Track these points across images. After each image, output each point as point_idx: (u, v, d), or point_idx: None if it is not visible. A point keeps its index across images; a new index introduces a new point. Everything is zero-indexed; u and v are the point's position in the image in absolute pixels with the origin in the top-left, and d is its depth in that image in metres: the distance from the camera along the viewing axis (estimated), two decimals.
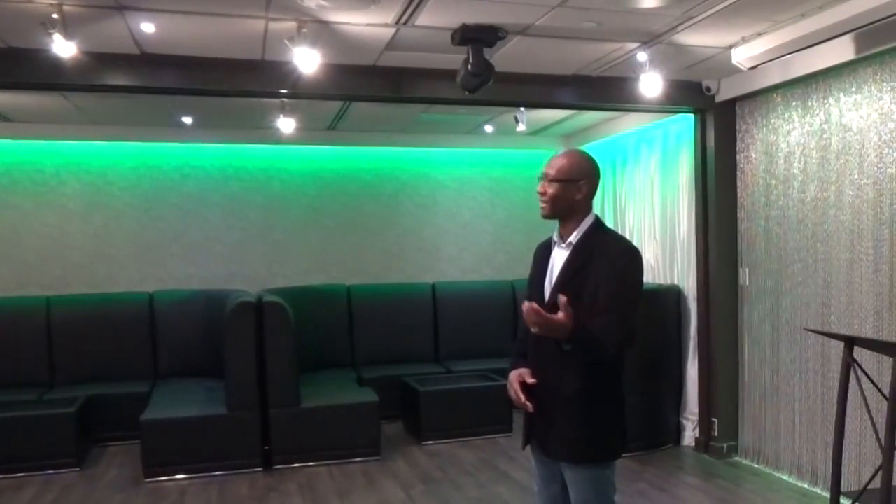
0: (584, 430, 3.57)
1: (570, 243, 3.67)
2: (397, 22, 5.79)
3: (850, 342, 4.23)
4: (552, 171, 3.67)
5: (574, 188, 3.65)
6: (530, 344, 3.72)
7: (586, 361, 3.51)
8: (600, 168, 3.79)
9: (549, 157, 3.78)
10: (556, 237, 3.78)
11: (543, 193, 3.68)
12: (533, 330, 3.28)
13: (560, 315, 3.25)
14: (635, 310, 3.49)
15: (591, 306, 3.44)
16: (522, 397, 3.58)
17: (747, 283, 7.65)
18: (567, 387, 3.56)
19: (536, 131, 10.50)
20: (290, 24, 5.74)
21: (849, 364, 4.18)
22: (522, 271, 10.57)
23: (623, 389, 3.68)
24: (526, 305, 3.26)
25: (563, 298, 3.27)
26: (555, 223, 3.78)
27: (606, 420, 3.61)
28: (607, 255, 3.54)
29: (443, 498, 6.86)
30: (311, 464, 7.81)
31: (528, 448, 3.89)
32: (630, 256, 3.58)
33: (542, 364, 3.64)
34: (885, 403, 3.83)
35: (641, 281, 3.60)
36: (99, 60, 6.38)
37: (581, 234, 3.66)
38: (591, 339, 3.37)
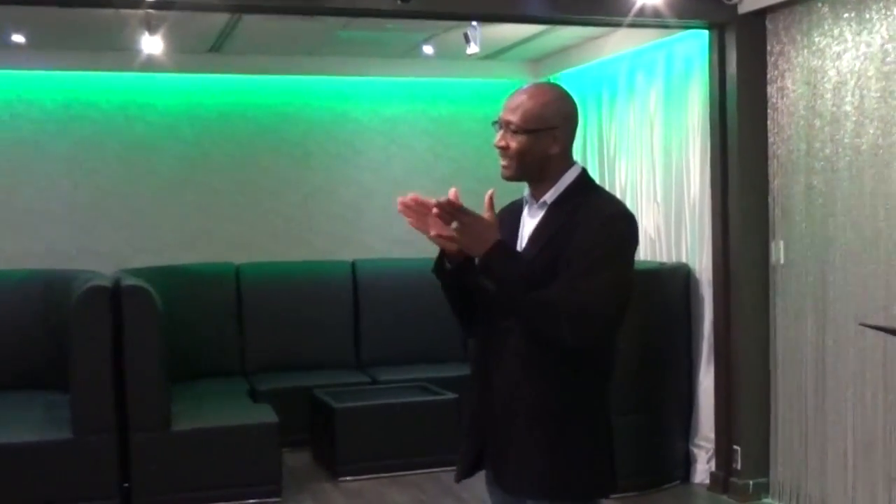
0: (556, 456, 3.54)
1: (545, 203, 3.65)
2: None
3: None
4: (515, 118, 3.58)
5: (547, 139, 3.60)
6: (477, 336, 3.76)
7: (544, 352, 3.47)
8: (579, 106, 3.74)
9: (508, 95, 3.69)
10: (527, 196, 3.76)
11: (505, 148, 3.61)
12: (446, 233, 3.41)
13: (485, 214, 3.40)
14: (616, 293, 3.46)
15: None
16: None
17: (782, 260, 7.64)
18: (530, 395, 3.54)
19: (494, 54, 10.53)
20: None
21: None
22: None
23: (609, 403, 3.69)
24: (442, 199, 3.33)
25: (452, 190, 3.38)
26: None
27: (586, 442, 3.58)
28: (592, 219, 3.52)
29: None
30: None
31: (481, 481, 3.85)
32: (623, 223, 3.59)
33: (494, 362, 3.62)
34: None
35: (632, 259, 3.62)
36: None
37: (560, 191, 3.64)
38: (525, 287, 3.38)
